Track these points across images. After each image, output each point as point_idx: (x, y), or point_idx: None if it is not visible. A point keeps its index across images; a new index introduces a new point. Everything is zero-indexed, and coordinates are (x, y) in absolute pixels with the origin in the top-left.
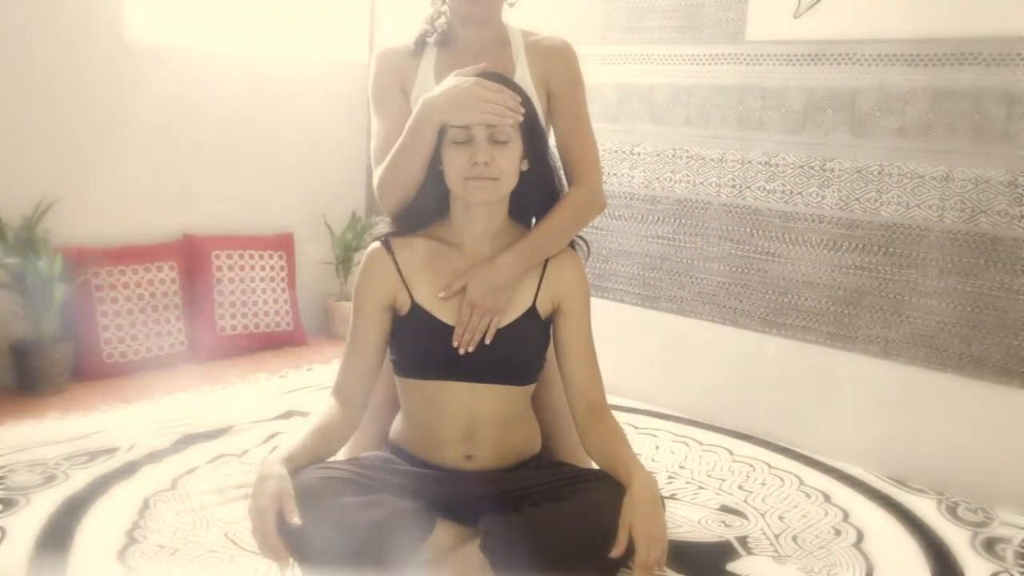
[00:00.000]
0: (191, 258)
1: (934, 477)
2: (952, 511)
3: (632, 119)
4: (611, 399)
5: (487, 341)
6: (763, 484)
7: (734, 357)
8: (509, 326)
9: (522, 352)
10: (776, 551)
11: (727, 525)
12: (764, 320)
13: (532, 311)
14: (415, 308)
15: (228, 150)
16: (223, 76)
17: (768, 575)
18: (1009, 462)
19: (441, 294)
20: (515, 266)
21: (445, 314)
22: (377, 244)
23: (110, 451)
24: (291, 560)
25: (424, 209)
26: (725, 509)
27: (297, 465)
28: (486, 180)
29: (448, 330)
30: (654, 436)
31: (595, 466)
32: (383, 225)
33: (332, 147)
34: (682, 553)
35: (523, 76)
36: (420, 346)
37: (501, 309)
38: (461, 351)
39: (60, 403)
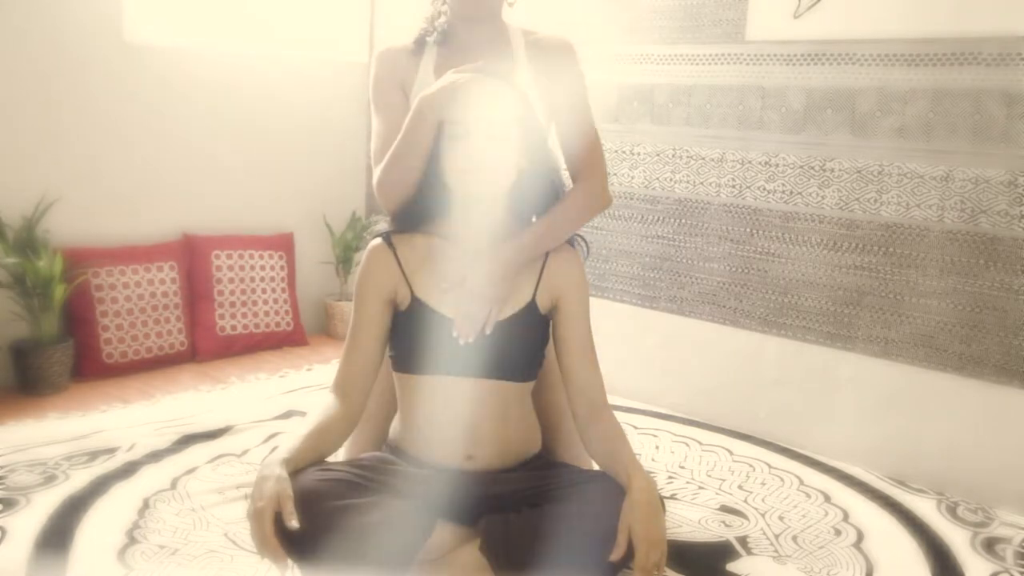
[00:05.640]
0: (191, 258)
1: (934, 477)
2: (952, 511)
3: (632, 119)
4: (611, 399)
5: (487, 331)
6: (763, 484)
7: (734, 357)
8: (509, 319)
9: (522, 346)
10: (776, 551)
11: (727, 525)
12: (764, 320)
13: (532, 306)
14: (415, 302)
15: (228, 150)
16: (223, 76)
17: (768, 575)
18: (1009, 462)
19: (444, 284)
20: (515, 257)
21: (445, 307)
22: (378, 240)
23: (110, 451)
24: (290, 562)
25: (424, 207)
26: (725, 509)
27: (297, 466)
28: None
29: (449, 323)
30: (654, 436)
31: (596, 467)
32: (383, 223)
33: (332, 147)
34: (682, 553)
35: (524, 74)
36: (421, 339)
37: (501, 299)
38: (461, 341)
39: (60, 403)
